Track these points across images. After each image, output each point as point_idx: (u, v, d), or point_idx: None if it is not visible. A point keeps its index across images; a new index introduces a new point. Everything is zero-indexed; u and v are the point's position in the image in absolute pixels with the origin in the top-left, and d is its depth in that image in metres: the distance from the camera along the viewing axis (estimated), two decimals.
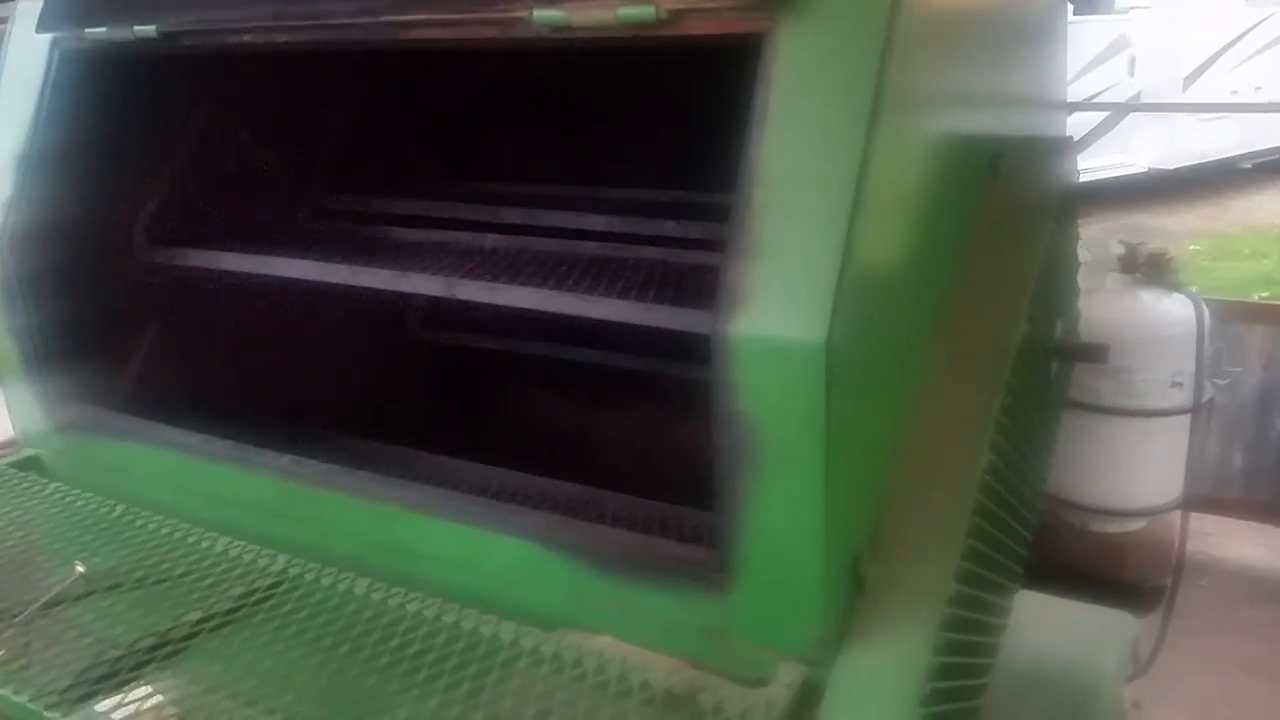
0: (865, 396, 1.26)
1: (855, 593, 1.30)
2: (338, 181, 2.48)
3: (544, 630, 1.48)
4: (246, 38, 1.65)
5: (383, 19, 1.48)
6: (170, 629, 1.46)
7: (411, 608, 1.48)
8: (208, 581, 1.57)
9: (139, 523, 1.76)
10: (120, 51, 1.80)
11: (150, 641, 1.44)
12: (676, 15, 1.31)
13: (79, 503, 1.83)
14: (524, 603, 1.51)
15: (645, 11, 1.30)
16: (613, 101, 2.39)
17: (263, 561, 1.62)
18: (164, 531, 1.73)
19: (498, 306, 1.70)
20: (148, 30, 1.69)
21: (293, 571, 1.59)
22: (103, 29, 1.74)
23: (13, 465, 2.00)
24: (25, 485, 1.91)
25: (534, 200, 2.28)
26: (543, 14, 1.37)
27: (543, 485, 2.08)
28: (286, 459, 1.71)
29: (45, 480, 1.93)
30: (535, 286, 1.69)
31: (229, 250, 1.99)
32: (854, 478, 1.27)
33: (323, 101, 2.50)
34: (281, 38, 1.62)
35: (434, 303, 2.75)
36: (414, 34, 1.48)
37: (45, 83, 1.86)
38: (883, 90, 1.18)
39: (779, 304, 1.18)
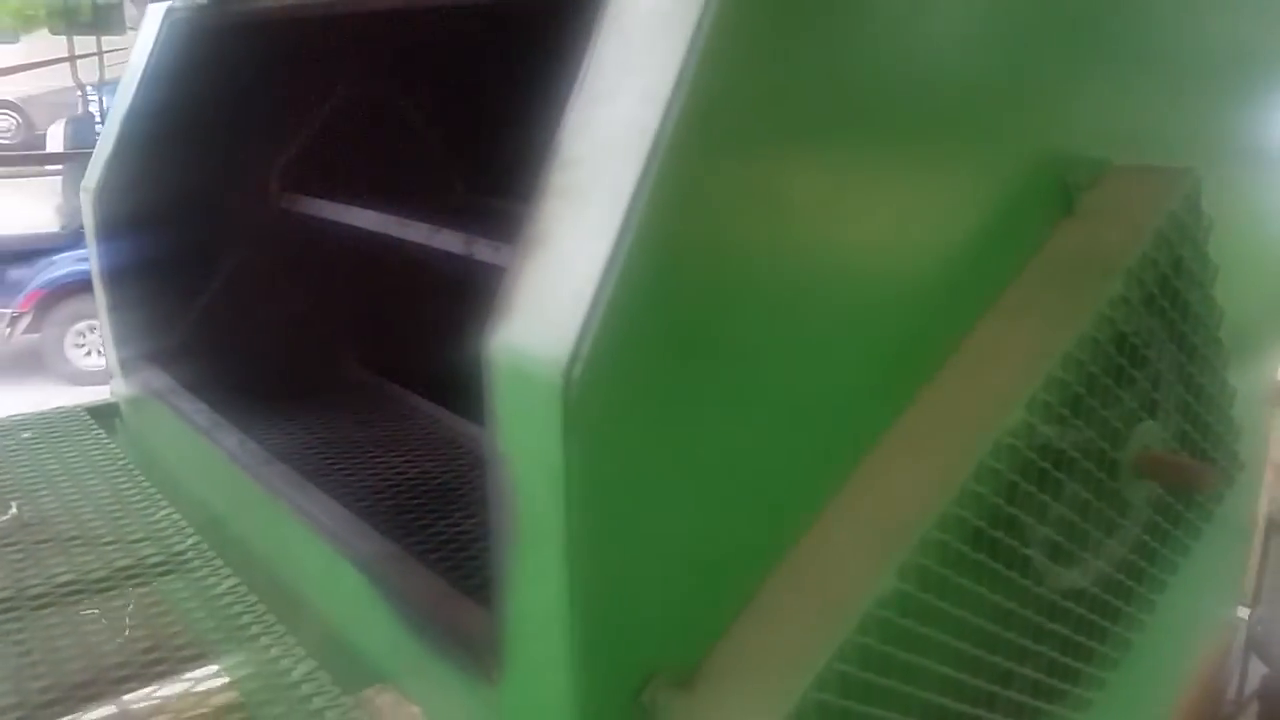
0: (684, 464, 0.92)
1: None
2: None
3: (367, 683, 1.27)
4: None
5: None
6: (36, 588, 1.41)
7: (253, 630, 1.31)
8: (111, 547, 1.52)
9: (121, 480, 1.76)
10: (221, 19, 1.86)
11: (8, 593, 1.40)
12: None
13: (93, 453, 1.87)
14: (362, 644, 1.30)
15: None
16: None
17: (173, 538, 1.55)
18: (128, 492, 1.71)
19: None
20: None
21: (187, 554, 1.50)
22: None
23: (88, 409, 2.11)
24: (71, 428, 1.99)
25: None
26: None
27: None
28: (237, 438, 1.63)
29: (94, 427, 2.01)
30: None
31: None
32: (646, 572, 0.93)
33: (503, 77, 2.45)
34: None
35: None
36: None
37: (154, 47, 1.95)
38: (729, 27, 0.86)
39: (535, 313, 0.89)
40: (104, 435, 1.96)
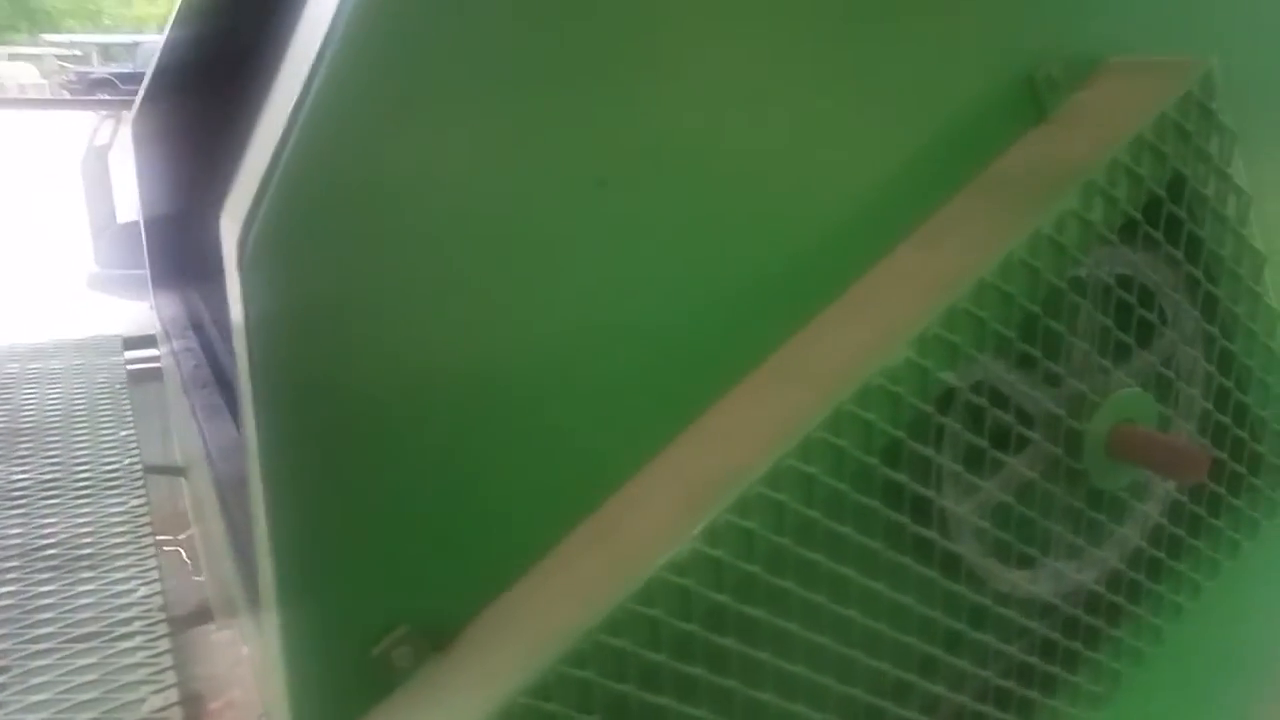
0: (415, 371, 0.76)
1: (377, 686, 0.80)
2: None
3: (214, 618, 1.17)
4: None
5: None
6: None
7: (123, 550, 1.25)
8: (51, 460, 1.50)
9: (104, 401, 1.75)
10: None
11: None
12: None
13: (99, 377, 1.89)
14: (226, 574, 1.21)
15: None
16: None
17: (114, 456, 1.51)
18: (104, 412, 1.70)
19: None
20: None
21: (116, 473, 1.46)
22: None
23: (126, 339, 2.15)
24: (96, 355, 2.02)
25: None
26: None
27: None
28: (195, 362, 1.58)
29: (116, 354, 2.03)
30: None
31: None
32: (373, 501, 0.77)
33: None
34: None
35: None
36: None
37: None
38: None
39: (247, 175, 0.76)
40: (121, 362, 1.98)
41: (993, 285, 0.84)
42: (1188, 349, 1.01)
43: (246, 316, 0.70)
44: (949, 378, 0.84)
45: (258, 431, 0.73)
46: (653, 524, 0.80)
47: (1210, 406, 1.04)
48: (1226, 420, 1.05)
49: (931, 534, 0.89)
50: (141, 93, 1.99)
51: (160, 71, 1.97)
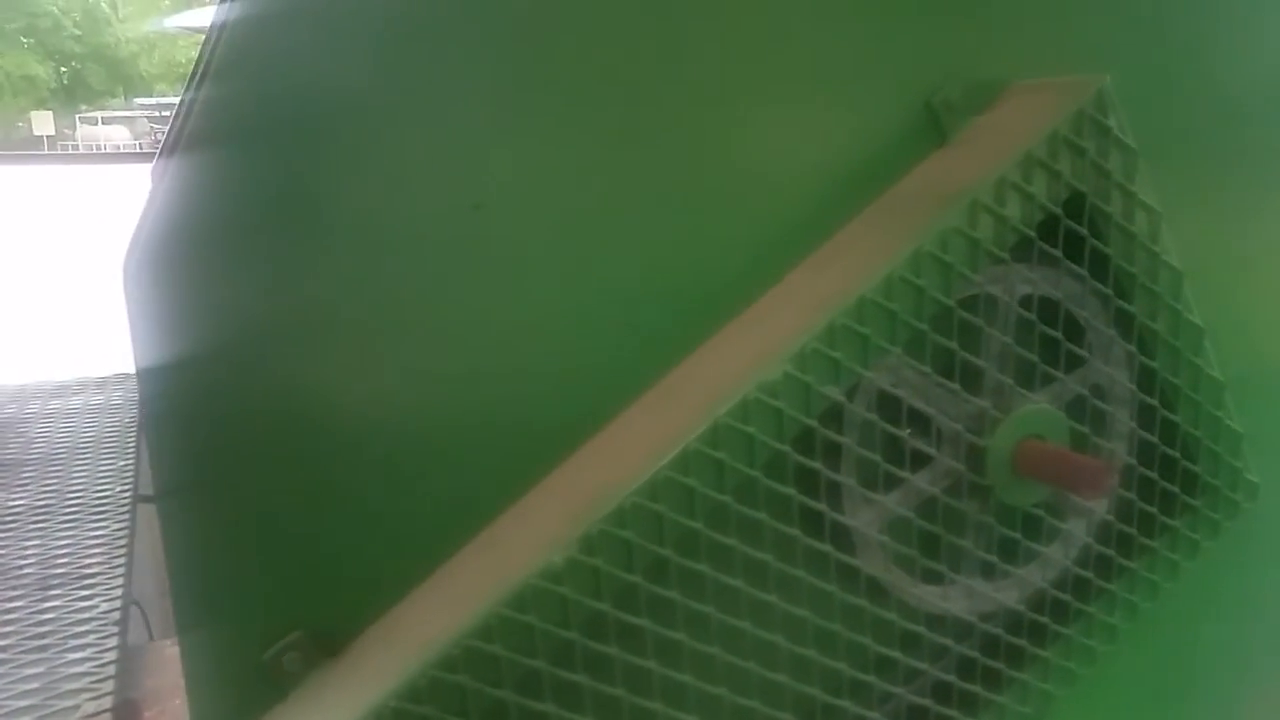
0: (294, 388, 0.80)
1: (270, 690, 0.83)
2: None
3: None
4: None
5: None
6: None
7: (94, 569, 1.31)
8: (46, 488, 1.58)
9: (111, 434, 1.83)
10: None
11: None
12: None
13: (114, 413, 1.97)
14: None
15: None
16: None
17: (105, 485, 1.59)
18: (108, 444, 1.78)
19: None
20: None
21: (104, 501, 1.53)
22: None
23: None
24: (117, 392, 2.12)
25: None
26: None
27: None
28: None
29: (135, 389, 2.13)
30: None
31: None
32: (263, 520, 0.81)
33: None
34: None
35: None
36: None
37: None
38: None
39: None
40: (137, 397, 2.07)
41: (874, 302, 0.86)
42: (1104, 367, 1.01)
43: (132, 339, 0.75)
44: (832, 392, 0.86)
45: (148, 448, 0.77)
46: (534, 535, 0.83)
47: (1135, 426, 1.03)
48: (1154, 439, 1.04)
49: (826, 547, 0.89)
50: (159, 152, 2.10)
51: (172, 132, 2.08)
